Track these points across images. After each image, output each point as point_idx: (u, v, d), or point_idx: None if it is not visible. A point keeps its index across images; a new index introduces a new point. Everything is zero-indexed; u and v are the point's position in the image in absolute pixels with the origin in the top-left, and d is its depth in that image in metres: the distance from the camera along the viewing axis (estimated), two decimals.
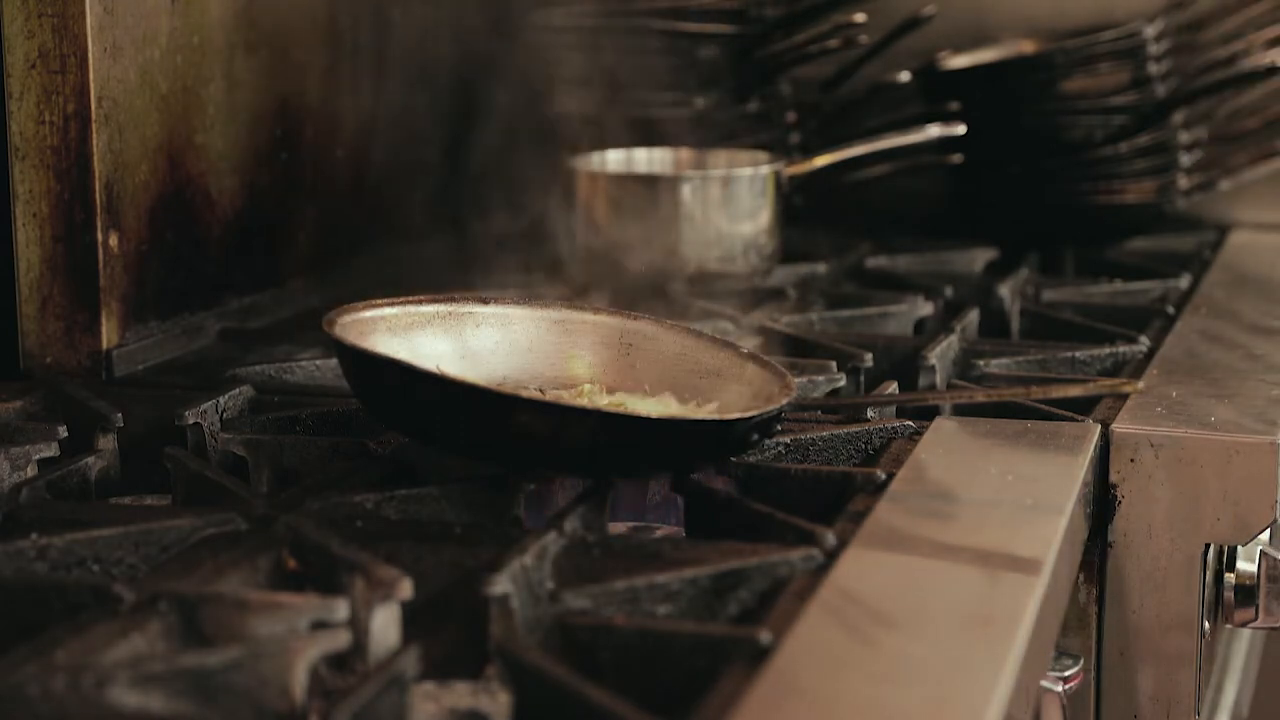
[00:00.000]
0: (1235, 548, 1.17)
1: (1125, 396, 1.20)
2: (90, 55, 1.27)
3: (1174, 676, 1.14)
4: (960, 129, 1.70)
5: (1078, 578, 1.13)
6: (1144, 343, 1.39)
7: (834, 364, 1.30)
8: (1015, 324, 1.59)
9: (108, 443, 1.14)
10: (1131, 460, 1.13)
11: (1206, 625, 1.15)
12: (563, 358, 1.17)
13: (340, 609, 0.81)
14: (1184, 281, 1.67)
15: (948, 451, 1.10)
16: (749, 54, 1.77)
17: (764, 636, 0.78)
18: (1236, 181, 1.90)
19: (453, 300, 1.16)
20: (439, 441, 1.04)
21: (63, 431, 1.13)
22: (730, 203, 1.59)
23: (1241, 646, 1.53)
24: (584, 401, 1.12)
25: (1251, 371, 1.30)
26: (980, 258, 1.81)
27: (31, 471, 1.10)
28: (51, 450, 1.12)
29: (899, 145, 1.73)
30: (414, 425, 1.05)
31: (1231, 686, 1.46)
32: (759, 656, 0.76)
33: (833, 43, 1.73)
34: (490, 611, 0.81)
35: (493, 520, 1.01)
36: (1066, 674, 1.10)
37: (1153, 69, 1.84)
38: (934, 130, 1.71)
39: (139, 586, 0.84)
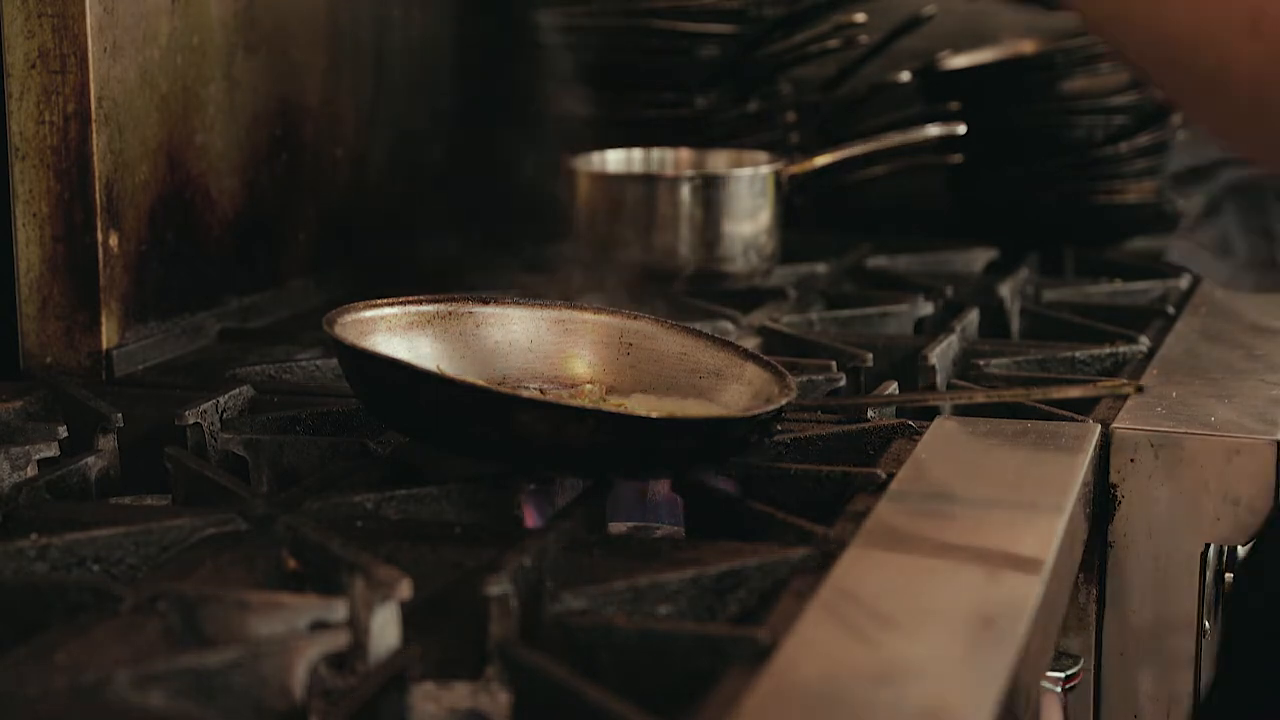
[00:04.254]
0: (1235, 548, 1.17)
1: (1125, 397, 1.20)
2: (90, 55, 1.27)
3: (1174, 676, 1.14)
4: (960, 129, 1.70)
5: (1078, 578, 1.13)
6: (1144, 343, 1.39)
7: (834, 364, 1.30)
8: (1015, 324, 1.59)
9: (108, 443, 1.14)
10: (1131, 460, 1.13)
11: (1206, 625, 1.15)
12: (563, 358, 1.17)
13: (340, 609, 0.81)
14: (1184, 281, 1.67)
15: (948, 451, 1.10)
16: (749, 54, 1.77)
17: (764, 636, 0.78)
18: None
19: (453, 300, 1.16)
20: (439, 441, 1.04)
21: (63, 431, 1.13)
22: (730, 203, 1.59)
23: None
24: (584, 401, 1.12)
25: (1251, 371, 1.30)
26: (980, 258, 1.81)
27: (31, 471, 1.10)
28: (51, 450, 1.12)
29: (899, 145, 1.73)
30: (414, 425, 1.05)
31: None
32: (759, 656, 0.76)
33: (833, 43, 1.73)
34: (490, 611, 0.82)
35: (493, 520, 1.01)
36: (1066, 674, 1.10)
37: None
38: (934, 130, 1.71)
39: (139, 586, 0.84)
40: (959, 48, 1.95)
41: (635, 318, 1.17)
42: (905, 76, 1.77)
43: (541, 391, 1.14)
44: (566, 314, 1.18)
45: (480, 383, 1.05)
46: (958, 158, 1.81)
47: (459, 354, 1.14)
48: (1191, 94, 0.86)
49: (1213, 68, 0.82)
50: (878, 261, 1.79)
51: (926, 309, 1.55)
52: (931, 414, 1.19)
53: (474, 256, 1.80)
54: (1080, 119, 1.83)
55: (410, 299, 1.14)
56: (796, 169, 1.67)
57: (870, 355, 1.33)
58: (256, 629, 0.80)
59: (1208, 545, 1.13)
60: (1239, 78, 0.80)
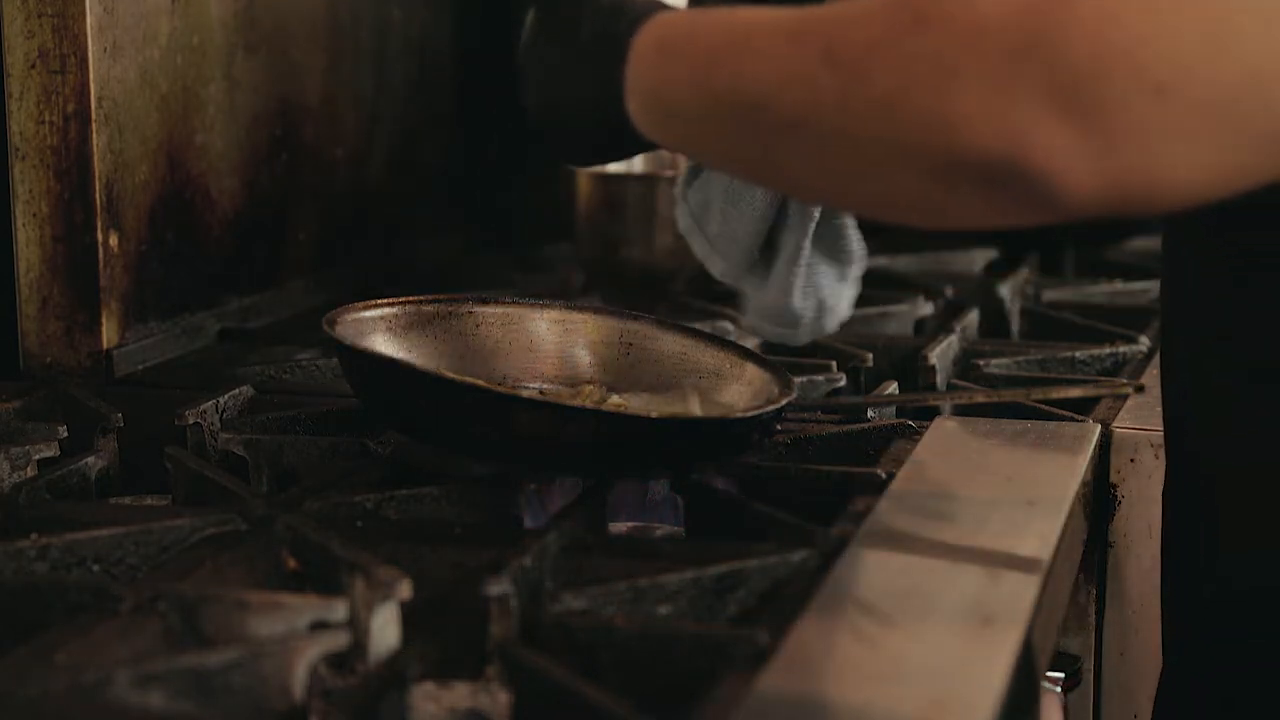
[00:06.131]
0: None
1: (1125, 396, 1.20)
2: (90, 55, 1.27)
3: None
4: None
5: (1078, 578, 1.13)
6: (1144, 343, 1.39)
7: (834, 364, 1.30)
8: (1015, 324, 1.59)
9: (108, 443, 1.14)
10: (1131, 460, 1.13)
11: None
12: (563, 358, 1.17)
13: (340, 609, 0.81)
14: None
15: (948, 451, 1.10)
16: None
17: (763, 637, 0.78)
18: None
19: (453, 300, 1.16)
20: (439, 441, 1.04)
21: (63, 431, 1.13)
22: None
23: None
24: (584, 401, 1.12)
25: None
26: (980, 258, 1.81)
27: (31, 471, 1.10)
28: (51, 450, 1.12)
29: None
30: (414, 425, 1.05)
31: None
32: (759, 657, 0.76)
33: None
34: (490, 611, 0.82)
35: (493, 520, 1.01)
36: (1066, 674, 1.10)
37: None
38: None
39: (139, 586, 0.84)
40: None
41: (635, 318, 1.17)
42: None
43: (541, 391, 1.14)
44: (566, 314, 1.17)
45: (480, 383, 1.05)
46: None
47: (459, 354, 1.14)
48: (773, 147, 0.86)
49: (795, 112, 0.83)
50: (877, 261, 1.78)
51: (926, 309, 1.55)
52: (931, 414, 1.19)
53: (474, 256, 1.80)
54: None
55: (410, 299, 1.14)
56: None
57: (870, 355, 1.33)
58: (256, 629, 0.80)
59: None
60: (823, 111, 0.81)
